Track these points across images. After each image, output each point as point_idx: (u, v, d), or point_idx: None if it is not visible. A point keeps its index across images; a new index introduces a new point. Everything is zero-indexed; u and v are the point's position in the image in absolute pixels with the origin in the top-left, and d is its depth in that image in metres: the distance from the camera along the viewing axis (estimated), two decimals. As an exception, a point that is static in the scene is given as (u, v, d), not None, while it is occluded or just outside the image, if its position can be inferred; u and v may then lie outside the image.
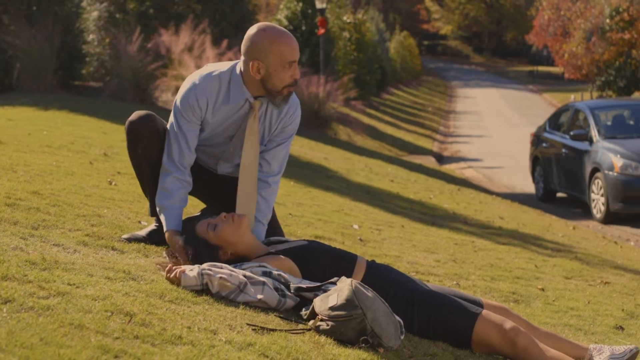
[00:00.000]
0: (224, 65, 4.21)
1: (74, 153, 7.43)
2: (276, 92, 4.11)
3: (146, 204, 5.38)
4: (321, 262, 3.90)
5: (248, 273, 3.60)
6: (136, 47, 16.61)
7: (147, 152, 4.21)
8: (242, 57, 4.12)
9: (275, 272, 3.69)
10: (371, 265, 3.94)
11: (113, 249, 4.03)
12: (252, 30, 4.09)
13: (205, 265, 3.57)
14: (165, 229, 4.10)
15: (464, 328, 3.67)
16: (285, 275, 3.70)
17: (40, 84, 16.25)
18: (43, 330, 2.60)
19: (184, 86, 4.15)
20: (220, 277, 3.50)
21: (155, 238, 4.33)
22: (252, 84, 4.11)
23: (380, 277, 3.86)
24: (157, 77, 17.07)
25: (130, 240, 4.25)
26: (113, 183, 6.03)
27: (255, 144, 4.22)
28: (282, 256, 3.89)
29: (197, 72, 4.20)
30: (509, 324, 3.65)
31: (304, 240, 4.13)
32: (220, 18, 19.84)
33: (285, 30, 4.11)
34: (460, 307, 3.72)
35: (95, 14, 19.16)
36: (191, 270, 3.53)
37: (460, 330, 3.68)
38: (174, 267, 3.57)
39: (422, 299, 3.76)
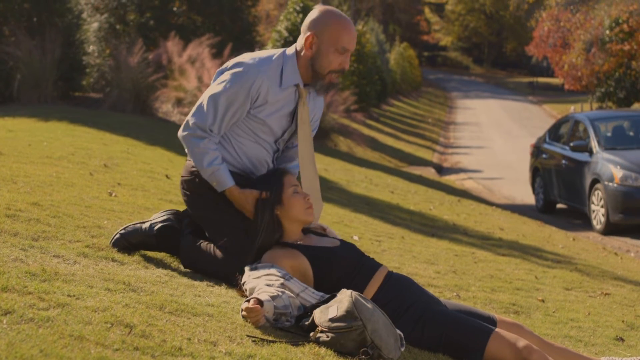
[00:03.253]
0: (274, 51, 4.19)
1: (74, 164, 7.43)
2: (321, 75, 4.11)
3: (146, 214, 5.38)
4: (338, 269, 3.91)
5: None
6: (137, 58, 16.64)
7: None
8: (301, 35, 4.13)
9: (277, 284, 3.68)
10: (389, 277, 3.94)
11: (113, 260, 4.03)
12: (319, 7, 4.13)
13: (273, 302, 3.51)
14: (227, 186, 4.04)
15: (477, 346, 3.66)
16: (289, 284, 3.70)
17: (40, 95, 16.25)
18: (43, 342, 2.60)
19: (247, 68, 4.05)
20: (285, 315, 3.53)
21: (134, 239, 4.27)
22: (303, 65, 4.11)
23: (396, 290, 3.86)
24: (158, 88, 17.09)
25: (117, 242, 4.23)
26: (113, 194, 6.03)
27: (308, 131, 4.23)
28: (302, 255, 3.91)
29: (256, 55, 4.14)
30: (522, 342, 3.63)
31: (339, 239, 4.14)
32: (220, 29, 19.88)
33: (350, 19, 4.11)
34: (473, 325, 3.71)
35: (95, 25, 19.19)
36: (267, 313, 3.48)
37: (473, 349, 3.66)
38: (253, 305, 3.44)
39: (433, 316, 3.75)
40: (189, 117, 4.13)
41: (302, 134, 4.21)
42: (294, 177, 4.13)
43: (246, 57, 4.14)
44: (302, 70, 4.13)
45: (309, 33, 4.08)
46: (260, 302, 3.43)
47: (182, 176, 4.33)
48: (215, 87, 4.11)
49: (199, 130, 4.08)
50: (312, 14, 4.11)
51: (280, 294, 3.53)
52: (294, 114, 4.21)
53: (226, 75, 4.11)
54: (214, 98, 4.07)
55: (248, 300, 3.46)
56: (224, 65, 4.21)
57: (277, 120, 4.17)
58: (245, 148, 4.20)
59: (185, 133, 4.13)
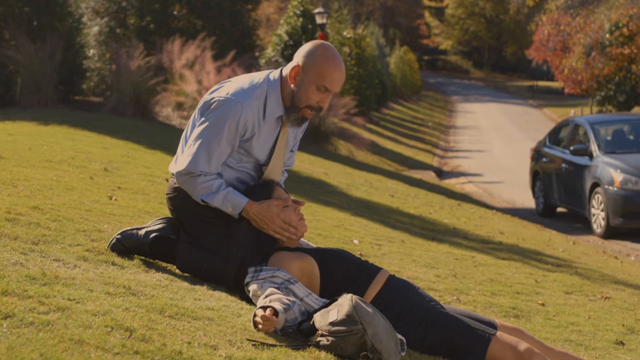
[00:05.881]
0: (257, 78, 4.13)
1: (74, 168, 7.43)
2: (296, 108, 4.08)
3: (146, 218, 5.39)
4: (343, 267, 3.95)
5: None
6: (138, 62, 16.66)
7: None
8: (292, 61, 4.09)
9: (283, 288, 3.69)
10: (390, 280, 3.95)
11: (113, 264, 4.02)
12: (315, 41, 4.09)
13: (280, 307, 3.52)
14: (243, 204, 3.99)
15: (478, 349, 3.66)
16: (293, 288, 3.70)
17: (40, 99, 16.27)
18: (43, 346, 2.60)
19: (232, 104, 4.00)
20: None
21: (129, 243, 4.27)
22: (286, 92, 4.08)
23: (397, 293, 3.87)
24: (158, 92, 17.10)
25: (114, 246, 4.22)
26: (113, 198, 6.03)
27: (282, 158, 4.23)
28: (308, 256, 3.93)
29: (238, 86, 4.08)
30: (523, 345, 3.64)
31: (331, 248, 4.20)
32: (220, 33, 19.89)
33: (342, 61, 4.07)
34: (474, 328, 3.71)
35: (95, 29, 19.21)
36: (278, 325, 3.47)
37: (474, 351, 3.66)
38: (270, 316, 3.42)
39: (435, 319, 3.76)
40: (182, 165, 4.07)
41: (275, 159, 4.20)
42: (282, 190, 4.12)
43: (229, 90, 4.07)
44: (284, 96, 4.10)
45: (296, 63, 4.04)
46: (276, 313, 3.43)
47: (166, 193, 4.33)
48: (203, 130, 4.04)
49: (192, 170, 4.04)
50: (307, 46, 4.07)
51: (291, 304, 3.53)
52: (276, 140, 4.21)
53: (212, 117, 4.04)
54: (204, 143, 4.02)
55: (264, 308, 3.46)
56: (206, 99, 4.13)
57: (261, 149, 4.16)
58: (228, 176, 4.17)
59: (183, 179, 4.08)
